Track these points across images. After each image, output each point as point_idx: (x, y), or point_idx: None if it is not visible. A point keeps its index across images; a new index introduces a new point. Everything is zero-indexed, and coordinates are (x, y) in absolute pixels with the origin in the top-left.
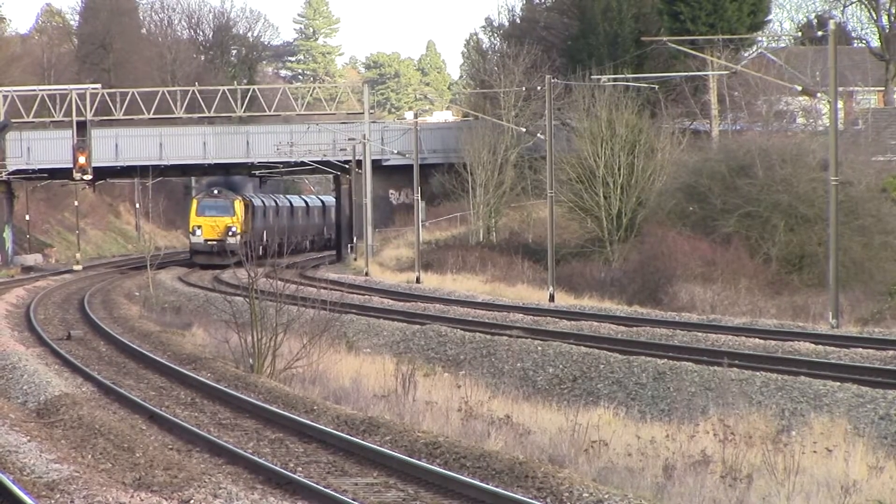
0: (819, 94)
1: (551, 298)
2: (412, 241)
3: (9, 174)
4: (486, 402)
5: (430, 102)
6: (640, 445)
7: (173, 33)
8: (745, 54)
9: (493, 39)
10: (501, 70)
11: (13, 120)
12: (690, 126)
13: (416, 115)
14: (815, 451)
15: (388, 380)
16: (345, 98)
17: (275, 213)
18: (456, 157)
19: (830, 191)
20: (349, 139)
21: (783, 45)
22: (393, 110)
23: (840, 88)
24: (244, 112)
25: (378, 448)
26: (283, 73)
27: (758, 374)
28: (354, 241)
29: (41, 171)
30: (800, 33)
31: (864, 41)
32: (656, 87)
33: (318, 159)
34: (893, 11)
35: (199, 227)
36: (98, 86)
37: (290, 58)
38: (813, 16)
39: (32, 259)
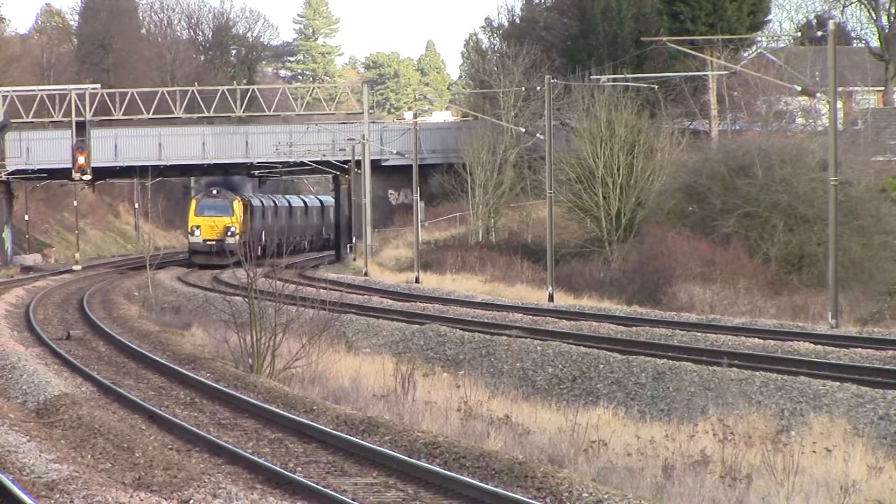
0: (818, 95)
1: (550, 298)
2: (411, 241)
3: (8, 174)
4: (486, 401)
5: (430, 102)
6: (639, 445)
7: (173, 33)
8: (745, 54)
9: (492, 39)
10: (501, 70)
11: (12, 120)
12: (690, 126)
13: (415, 116)
14: (814, 451)
15: (388, 380)
16: (344, 98)
17: (273, 213)
18: (455, 157)
19: (830, 191)
20: (348, 139)
21: (783, 45)
22: (392, 110)
23: (839, 88)
24: (243, 112)
25: (377, 448)
26: (282, 73)
27: (757, 373)
28: (353, 241)
29: (40, 171)
30: (799, 33)
31: (863, 41)
32: (656, 87)
33: (318, 159)
34: (893, 11)
35: (198, 227)
36: (97, 86)
37: (289, 58)
38: (812, 16)
39: (32, 259)
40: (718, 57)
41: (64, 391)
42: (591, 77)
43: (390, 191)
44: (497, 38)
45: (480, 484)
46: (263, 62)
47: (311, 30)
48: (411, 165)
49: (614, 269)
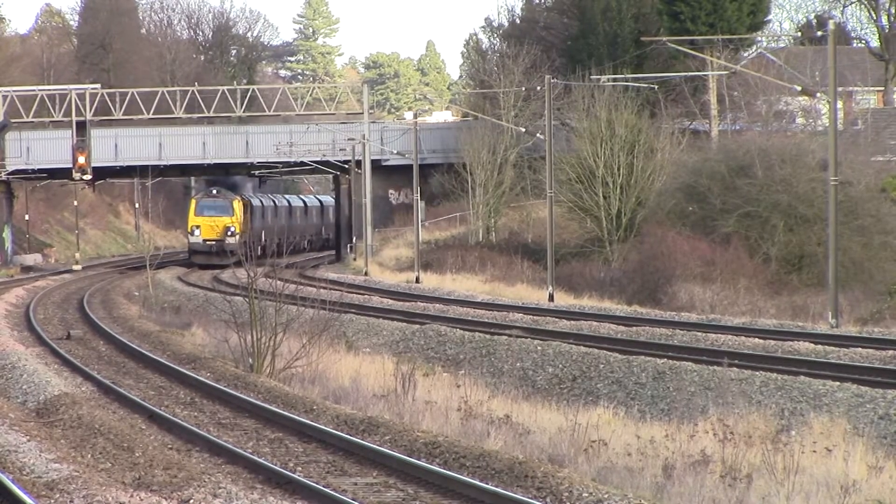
0: (818, 95)
1: (551, 298)
2: (412, 240)
3: (8, 174)
4: (486, 401)
5: (430, 102)
6: (639, 445)
7: (173, 33)
8: (745, 54)
9: (492, 39)
10: (501, 70)
11: (13, 120)
12: (690, 126)
13: (415, 115)
14: (814, 451)
15: (388, 379)
16: (344, 98)
17: (273, 213)
18: (455, 157)
19: (830, 191)
20: (348, 139)
21: (783, 45)
22: (392, 110)
23: (839, 88)
24: (244, 112)
25: (377, 448)
26: (282, 73)
27: (757, 373)
28: (354, 240)
29: (41, 171)
30: (799, 33)
31: (863, 41)
32: (656, 87)
33: (318, 159)
34: (893, 11)
35: (198, 226)
36: (98, 86)
37: (289, 58)
38: (812, 16)
39: (32, 259)
40: (718, 57)
41: (64, 391)
42: (592, 77)
43: (390, 191)
44: (497, 38)
45: (480, 484)
46: (263, 62)
47: (311, 30)
48: (411, 165)
49: (614, 268)
